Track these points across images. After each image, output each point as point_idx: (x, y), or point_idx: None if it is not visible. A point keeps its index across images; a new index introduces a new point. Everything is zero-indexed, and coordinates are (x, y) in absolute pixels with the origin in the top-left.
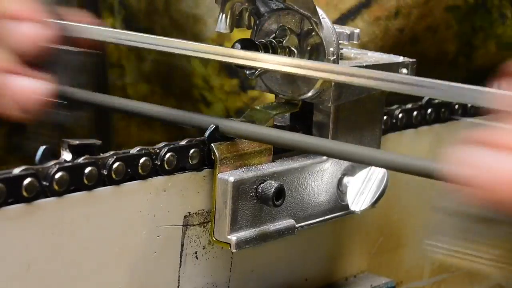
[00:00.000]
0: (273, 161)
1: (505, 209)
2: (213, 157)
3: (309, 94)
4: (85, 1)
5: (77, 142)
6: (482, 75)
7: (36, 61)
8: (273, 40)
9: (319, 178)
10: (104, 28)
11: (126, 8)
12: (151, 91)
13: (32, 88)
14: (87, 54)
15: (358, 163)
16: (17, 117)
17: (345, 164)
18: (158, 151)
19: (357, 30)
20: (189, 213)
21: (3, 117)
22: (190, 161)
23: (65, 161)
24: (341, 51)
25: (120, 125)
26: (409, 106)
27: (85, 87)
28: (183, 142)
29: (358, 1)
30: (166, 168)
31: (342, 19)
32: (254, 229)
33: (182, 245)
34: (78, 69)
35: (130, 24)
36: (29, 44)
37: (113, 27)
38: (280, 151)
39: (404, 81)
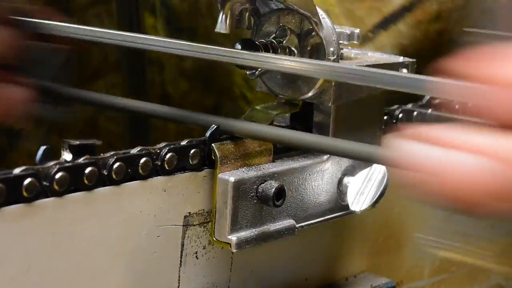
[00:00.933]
0: (273, 161)
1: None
2: (213, 157)
3: (310, 94)
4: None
5: (77, 142)
6: None
7: (11, 62)
8: (273, 40)
9: (319, 178)
10: (189, 43)
11: (169, 8)
12: (191, 87)
13: (12, 93)
14: (63, 50)
15: (359, 160)
16: (5, 123)
17: (345, 164)
18: (158, 151)
19: (357, 30)
20: (189, 213)
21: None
22: (190, 161)
23: (65, 161)
24: (341, 51)
25: (157, 121)
26: (409, 106)
27: (67, 83)
28: (183, 142)
29: (401, 5)
30: (167, 168)
31: (384, 23)
32: (254, 229)
33: (182, 245)
34: (55, 65)
35: (172, 24)
36: (2, 47)
37: (154, 27)
38: (281, 151)
39: (404, 80)
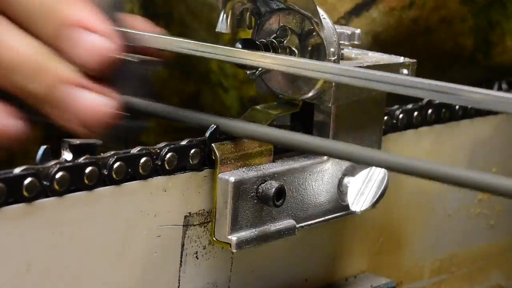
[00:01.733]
0: (273, 161)
1: None
2: (213, 157)
3: (310, 94)
4: None
5: (78, 141)
6: (502, 74)
7: (101, 73)
8: (274, 40)
9: (320, 179)
10: (169, 37)
11: None
12: (170, 75)
13: (99, 104)
14: (150, 62)
15: (358, 163)
16: (81, 132)
17: (345, 164)
18: (158, 151)
19: (357, 31)
20: (189, 213)
21: (67, 130)
22: (190, 161)
23: (66, 161)
24: (342, 51)
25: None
26: (409, 106)
27: (147, 96)
28: (183, 142)
29: None
30: (167, 168)
31: (357, 10)
32: (254, 229)
33: (183, 245)
34: (140, 79)
35: (148, 10)
36: (97, 58)
37: (132, 12)
38: (281, 151)
39: (404, 82)
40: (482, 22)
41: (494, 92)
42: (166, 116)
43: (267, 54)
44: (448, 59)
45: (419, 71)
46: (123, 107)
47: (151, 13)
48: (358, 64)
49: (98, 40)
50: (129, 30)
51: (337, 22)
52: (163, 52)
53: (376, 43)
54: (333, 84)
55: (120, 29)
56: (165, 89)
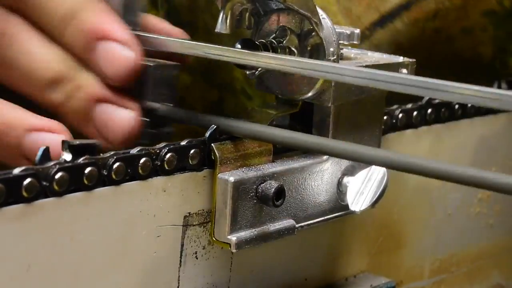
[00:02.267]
0: (273, 161)
1: None
2: (213, 157)
3: (309, 94)
4: None
5: (77, 142)
6: None
7: (124, 83)
8: (273, 40)
9: (319, 178)
10: (191, 42)
11: (170, 2)
12: (193, 81)
13: (122, 119)
14: (170, 66)
15: (358, 161)
16: (106, 146)
17: (345, 164)
18: (158, 151)
19: (357, 31)
20: (189, 213)
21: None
22: (190, 161)
23: (65, 161)
24: (341, 51)
25: None
26: (409, 106)
27: (169, 101)
28: (183, 142)
29: (399, 3)
30: (166, 168)
31: (382, 21)
32: (254, 229)
33: (182, 245)
34: (162, 83)
35: (172, 18)
36: (121, 69)
37: None
38: (280, 151)
39: (404, 81)
40: (501, 32)
41: (488, 89)
42: (167, 117)
43: (267, 54)
44: (467, 68)
45: (438, 77)
46: (145, 113)
47: (175, 21)
48: (357, 63)
49: (122, 51)
50: (145, 34)
51: (362, 32)
52: (181, 56)
53: (398, 52)
54: (333, 84)
55: (139, 33)
56: (188, 96)
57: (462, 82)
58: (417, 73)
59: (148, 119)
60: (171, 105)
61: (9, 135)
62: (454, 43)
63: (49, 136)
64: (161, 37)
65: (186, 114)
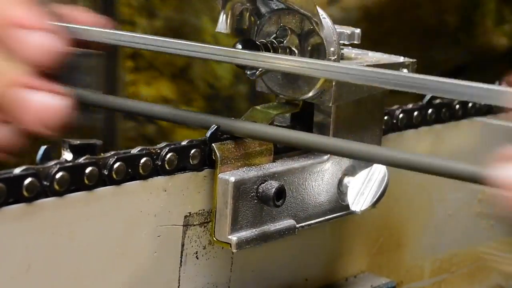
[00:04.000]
0: (273, 161)
1: None
2: (214, 157)
3: (310, 94)
4: None
5: (78, 142)
6: (482, 56)
7: (50, 70)
8: (274, 40)
9: (320, 178)
10: (111, 31)
11: None
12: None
13: (53, 103)
14: (94, 55)
15: (359, 160)
16: (40, 132)
17: (345, 164)
18: (159, 151)
19: (357, 30)
20: (189, 213)
21: (25, 133)
22: (191, 161)
23: (66, 161)
24: (342, 51)
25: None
26: (409, 106)
27: (94, 88)
28: (184, 142)
29: None
30: (167, 168)
31: None
32: (254, 229)
33: (183, 245)
34: (87, 71)
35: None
36: (44, 55)
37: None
38: (281, 151)
39: (405, 80)
40: (466, 1)
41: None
42: (167, 118)
43: (267, 54)
44: (432, 36)
45: (404, 47)
46: (76, 100)
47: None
48: (358, 63)
49: (43, 37)
50: (74, 25)
51: None
52: (101, 44)
53: (366, 16)
54: (333, 83)
55: (64, 24)
56: (156, 61)
57: (426, 50)
58: (384, 40)
59: (77, 105)
60: (99, 92)
61: None
62: (420, 9)
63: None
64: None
65: (188, 115)
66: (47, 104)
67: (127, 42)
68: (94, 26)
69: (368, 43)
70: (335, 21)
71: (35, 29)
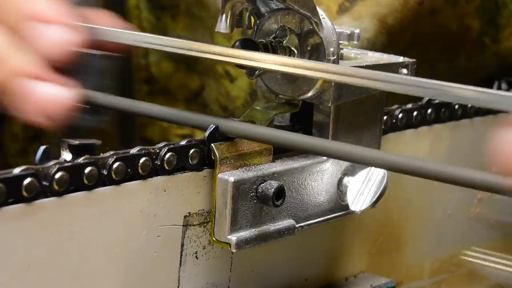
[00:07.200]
0: (273, 161)
1: None
2: (213, 157)
3: (309, 94)
4: None
5: (77, 142)
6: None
7: (62, 66)
8: (273, 40)
9: (319, 178)
10: (132, 32)
11: None
12: (175, 68)
13: (57, 95)
14: (112, 58)
15: (358, 163)
16: (41, 123)
17: (345, 164)
18: (158, 151)
19: (357, 30)
20: (189, 213)
21: (27, 122)
22: (190, 161)
23: (65, 161)
24: (342, 51)
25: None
26: (409, 106)
27: (109, 91)
28: (183, 142)
29: None
30: (166, 168)
31: None
32: (254, 229)
33: (182, 245)
34: (103, 73)
35: (153, 2)
36: (57, 50)
37: (137, 6)
38: (280, 151)
39: (404, 81)
40: (488, 3)
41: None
42: (166, 118)
43: (267, 54)
44: (455, 43)
45: (426, 57)
46: (84, 100)
47: (156, 5)
48: (357, 64)
49: (59, 32)
50: (93, 26)
51: (342, 4)
52: (122, 47)
53: (383, 27)
54: (333, 84)
55: (84, 24)
56: (170, 84)
57: (451, 60)
58: (404, 53)
59: (85, 106)
60: (111, 94)
61: None
62: (439, 15)
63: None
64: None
65: (187, 115)
66: (50, 95)
67: (148, 44)
68: (114, 27)
69: None
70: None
71: (52, 23)
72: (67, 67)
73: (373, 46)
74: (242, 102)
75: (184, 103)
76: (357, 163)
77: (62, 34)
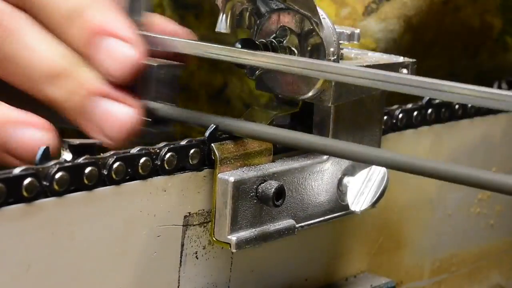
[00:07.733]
0: (273, 161)
1: None
2: (213, 157)
3: (309, 94)
4: None
5: (78, 142)
6: None
7: (126, 81)
8: (274, 40)
9: (319, 178)
10: (193, 42)
11: None
12: (199, 66)
13: (122, 115)
14: (173, 66)
15: (359, 161)
16: (105, 143)
17: (345, 164)
18: (158, 151)
19: (357, 31)
20: (189, 213)
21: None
22: (190, 161)
23: (65, 161)
24: (342, 51)
25: None
26: (409, 106)
27: (170, 101)
28: (183, 142)
29: None
30: (166, 168)
31: None
32: (254, 229)
33: (182, 245)
34: (164, 83)
35: (177, 1)
36: (124, 67)
37: (160, 5)
38: (281, 151)
39: (404, 81)
40: (510, 1)
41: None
42: (166, 116)
43: (267, 54)
44: (476, 40)
45: (449, 58)
46: (146, 112)
47: (180, 4)
48: (357, 63)
49: (126, 49)
50: (150, 34)
51: (368, 6)
52: (182, 56)
53: (408, 27)
54: (333, 84)
55: (144, 33)
56: (193, 82)
57: (471, 57)
58: (426, 52)
59: (148, 118)
60: (173, 105)
61: None
62: (460, 12)
63: (34, 132)
64: (166, 37)
65: (187, 114)
66: (115, 114)
67: (209, 53)
68: (176, 37)
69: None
70: (374, 33)
71: (120, 39)
72: (131, 81)
73: (398, 46)
74: (266, 100)
75: (207, 100)
76: (358, 162)
77: (129, 52)
